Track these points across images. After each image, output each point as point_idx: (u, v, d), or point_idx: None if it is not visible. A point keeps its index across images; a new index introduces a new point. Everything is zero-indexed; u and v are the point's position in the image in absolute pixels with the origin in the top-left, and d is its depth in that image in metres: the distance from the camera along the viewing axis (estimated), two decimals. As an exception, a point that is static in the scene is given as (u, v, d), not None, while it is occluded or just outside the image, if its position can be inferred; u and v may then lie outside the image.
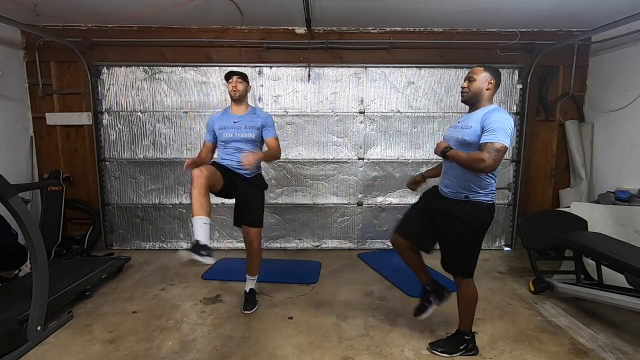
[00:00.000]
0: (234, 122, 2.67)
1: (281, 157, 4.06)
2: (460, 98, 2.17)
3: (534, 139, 4.35)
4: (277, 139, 2.74)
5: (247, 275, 2.85)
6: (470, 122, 2.05)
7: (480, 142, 1.94)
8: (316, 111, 4.15)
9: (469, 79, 2.09)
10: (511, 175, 4.27)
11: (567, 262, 3.22)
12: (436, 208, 2.19)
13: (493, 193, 2.09)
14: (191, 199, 2.18)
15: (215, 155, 2.84)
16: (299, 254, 4.12)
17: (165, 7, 3.43)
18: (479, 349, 2.27)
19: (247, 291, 2.86)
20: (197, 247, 2.00)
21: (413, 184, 2.57)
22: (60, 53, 4.06)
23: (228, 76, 2.68)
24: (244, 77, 2.70)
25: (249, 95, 2.83)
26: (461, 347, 2.23)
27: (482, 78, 2.06)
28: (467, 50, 4.16)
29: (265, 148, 2.78)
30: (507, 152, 4.27)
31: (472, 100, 2.11)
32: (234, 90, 2.65)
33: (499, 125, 1.90)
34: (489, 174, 2.02)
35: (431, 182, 2.49)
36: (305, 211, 4.27)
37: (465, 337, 2.22)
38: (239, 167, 2.62)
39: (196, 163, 2.46)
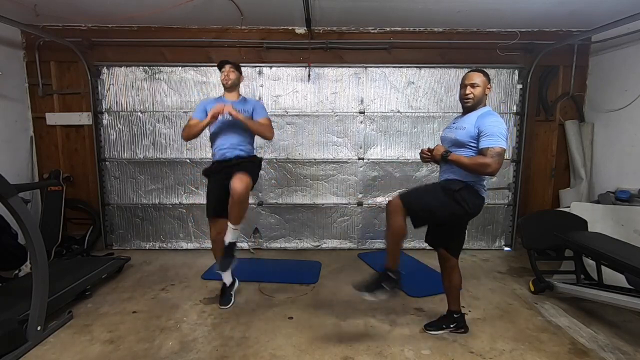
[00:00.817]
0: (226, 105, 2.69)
1: (281, 157, 4.14)
2: (465, 103, 2.20)
3: (534, 139, 4.35)
4: (269, 119, 2.79)
5: (228, 224, 2.61)
6: (464, 124, 2.16)
7: (481, 147, 2.05)
8: (316, 111, 4.15)
9: (473, 85, 2.15)
10: (511, 175, 4.27)
11: (567, 262, 3.22)
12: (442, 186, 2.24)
13: (485, 188, 2.24)
14: (213, 250, 2.83)
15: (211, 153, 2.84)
16: (299, 254, 4.12)
17: (165, 7, 3.43)
18: (468, 327, 2.46)
19: (226, 243, 2.64)
20: (227, 288, 2.89)
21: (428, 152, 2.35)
22: (60, 53, 4.06)
23: (221, 65, 2.74)
24: (236, 66, 2.75)
25: (249, 95, 2.87)
26: (452, 325, 2.44)
27: (483, 84, 2.17)
28: (467, 50, 4.17)
29: (256, 141, 2.87)
30: (507, 152, 4.32)
31: (475, 105, 2.18)
32: (227, 79, 2.71)
33: (496, 130, 2.02)
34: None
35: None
36: (305, 211, 4.27)
37: (455, 315, 2.44)
38: (230, 151, 2.67)
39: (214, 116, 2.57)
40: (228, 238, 2.64)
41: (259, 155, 2.92)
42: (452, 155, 2.11)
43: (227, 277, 2.86)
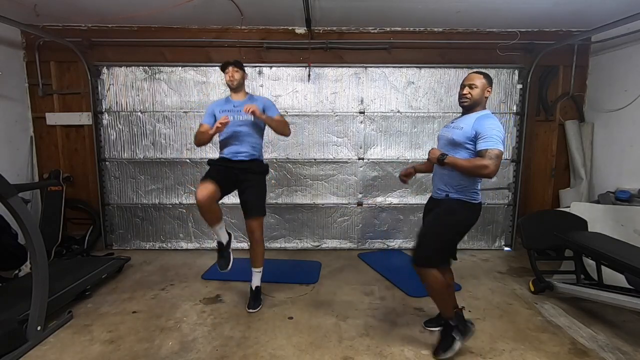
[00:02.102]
0: (234, 107, 2.72)
1: (281, 157, 4.14)
2: (462, 103, 2.21)
3: (534, 139, 4.35)
4: (282, 116, 2.80)
5: (252, 269, 2.81)
6: (462, 124, 2.15)
7: (478, 148, 2.03)
8: (316, 111, 4.15)
9: (471, 86, 2.14)
10: (511, 175, 4.27)
11: (567, 262, 3.22)
12: (429, 209, 2.31)
13: (476, 192, 2.17)
14: (203, 215, 2.59)
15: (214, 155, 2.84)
16: (299, 254, 4.12)
17: (165, 7, 3.43)
18: (472, 323, 2.23)
19: (253, 288, 2.82)
20: (222, 246, 2.74)
21: (405, 176, 2.61)
22: (60, 53, 4.06)
23: (224, 67, 2.72)
24: (239, 65, 2.74)
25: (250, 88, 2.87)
26: (455, 335, 2.19)
27: (482, 86, 2.15)
28: (467, 50, 4.17)
29: (264, 139, 2.85)
30: (507, 152, 4.33)
31: (472, 106, 2.18)
32: (232, 80, 2.70)
33: (495, 133, 2.01)
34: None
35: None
36: (305, 211, 4.27)
37: (451, 323, 2.19)
38: (238, 153, 2.67)
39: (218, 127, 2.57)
40: (253, 283, 2.83)
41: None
42: (449, 158, 2.08)
43: (222, 236, 2.73)
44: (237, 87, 2.74)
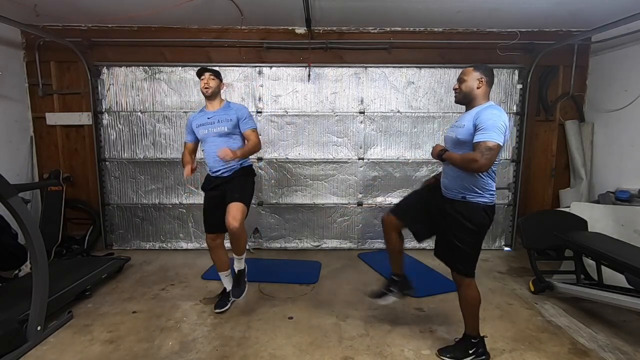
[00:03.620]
0: (208, 119, 2.66)
1: (281, 157, 4.14)
2: (454, 99, 2.18)
3: (534, 139, 4.35)
4: (254, 130, 2.70)
5: (234, 256, 2.70)
6: (464, 121, 2.05)
7: (473, 141, 1.93)
8: (316, 111, 4.15)
9: (460, 80, 2.11)
10: (511, 175, 4.26)
11: (567, 262, 3.22)
12: (436, 203, 2.20)
13: (492, 194, 2.05)
14: (211, 258, 2.84)
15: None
16: (299, 254, 4.12)
17: (165, 7, 3.43)
18: (489, 354, 2.18)
19: (236, 271, 2.75)
20: (226, 295, 2.84)
21: (427, 186, 2.45)
22: (60, 53, 4.06)
23: (200, 73, 2.66)
24: (216, 73, 2.68)
25: (249, 95, 2.86)
26: (470, 352, 2.15)
27: (472, 77, 2.06)
28: (467, 50, 4.16)
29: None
30: (507, 152, 4.28)
31: (464, 100, 2.12)
32: (206, 87, 2.63)
33: (491, 124, 1.88)
34: (485, 174, 1.99)
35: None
36: (305, 211, 4.27)
37: (472, 340, 2.16)
38: (221, 168, 2.65)
39: (192, 168, 2.67)
40: (236, 267, 2.75)
41: (255, 155, 2.89)
42: (446, 154, 2.05)
43: (227, 284, 2.84)
44: (211, 96, 2.66)
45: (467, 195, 2.03)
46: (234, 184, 2.65)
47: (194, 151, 2.83)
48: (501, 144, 1.89)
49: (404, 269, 2.42)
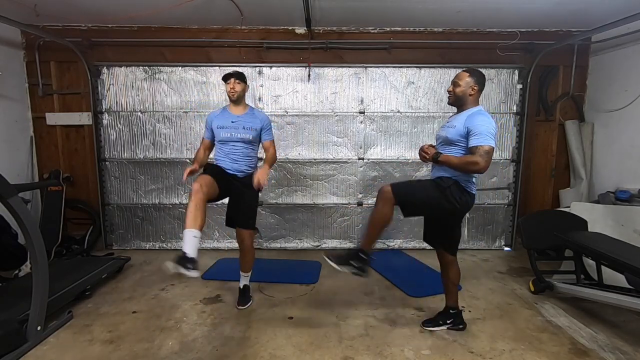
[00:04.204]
0: (232, 122, 2.68)
1: (281, 157, 4.14)
2: (448, 100, 2.36)
3: (534, 139, 4.35)
4: (273, 142, 2.82)
5: (240, 272, 2.89)
6: (455, 123, 2.23)
7: (470, 145, 2.11)
8: (316, 111, 4.15)
9: (454, 83, 2.27)
10: (511, 175, 4.26)
11: (567, 262, 3.22)
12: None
13: (474, 184, 2.29)
14: (187, 211, 2.24)
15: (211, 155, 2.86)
16: (299, 254, 4.12)
17: (165, 7, 3.43)
18: (466, 323, 2.51)
19: (241, 287, 2.91)
20: (183, 260, 2.10)
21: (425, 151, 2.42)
22: (60, 53, 4.06)
23: (226, 78, 2.69)
24: (241, 77, 2.71)
25: (249, 95, 2.87)
26: (448, 321, 2.48)
27: (466, 84, 2.23)
28: (467, 50, 4.17)
29: (261, 149, 2.83)
30: (507, 152, 4.30)
31: (456, 103, 2.31)
32: (232, 92, 2.66)
33: (484, 129, 2.07)
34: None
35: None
36: (305, 211, 4.27)
37: (451, 311, 2.48)
38: (234, 169, 2.67)
39: (195, 170, 2.57)
40: (241, 282, 2.89)
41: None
42: (442, 156, 2.19)
43: (189, 245, 2.23)
44: (237, 100, 2.71)
45: (458, 180, 2.22)
46: (247, 204, 2.72)
47: (210, 148, 2.84)
48: (494, 148, 2.09)
49: (374, 250, 2.38)
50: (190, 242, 2.20)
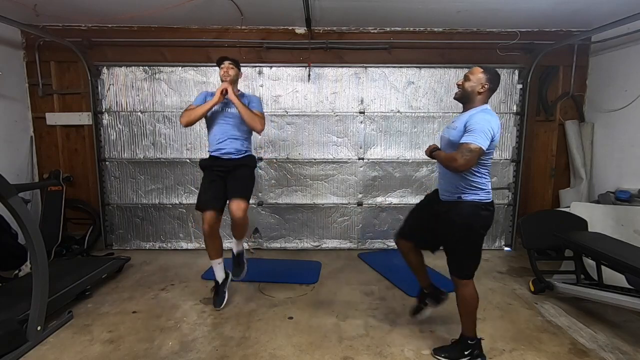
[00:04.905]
0: (225, 98, 2.72)
1: (281, 157, 4.14)
2: (454, 95, 2.18)
3: (534, 139, 4.35)
4: (262, 114, 2.81)
5: (234, 239, 2.86)
6: (457, 123, 2.07)
7: (459, 141, 1.97)
8: (316, 111, 4.15)
9: (466, 77, 2.11)
10: (511, 175, 4.26)
11: (567, 262, 3.22)
12: (436, 210, 2.20)
13: (488, 192, 2.06)
14: (205, 245, 2.77)
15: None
16: (299, 254, 4.12)
17: (165, 7, 3.43)
18: (485, 356, 2.18)
19: (235, 254, 2.89)
20: (221, 286, 2.82)
21: (427, 196, 2.48)
22: (60, 53, 4.06)
23: (220, 61, 2.76)
24: (235, 62, 2.78)
25: (248, 94, 2.90)
26: (466, 353, 2.15)
27: (477, 80, 2.06)
28: (467, 50, 4.17)
29: (252, 144, 2.92)
30: (507, 152, 4.28)
31: (463, 99, 2.13)
32: (226, 75, 2.72)
33: (479, 127, 1.92)
34: (477, 173, 2.02)
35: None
36: (305, 211, 4.27)
37: (469, 342, 2.15)
38: (228, 149, 2.70)
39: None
40: (235, 249, 2.89)
41: (256, 155, 2.93)
42: (435, 152, 2.14)
43: (219, 273, 2.84)
44: (229, 83, 2.74)
45: (462, 195, 2.05)
46: (240, 176, 2.72)
47: None
48: (484, 148, 1.92)
49: (430, 278, 2.49)
50: (218, 270, 2.82)
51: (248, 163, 2.81)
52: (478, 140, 1.90)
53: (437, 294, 2.47)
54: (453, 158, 1.94)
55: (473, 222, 2.03)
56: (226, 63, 2.73)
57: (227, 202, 2.69)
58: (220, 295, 2.81)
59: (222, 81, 2.76)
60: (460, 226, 2.04)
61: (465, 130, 1.97)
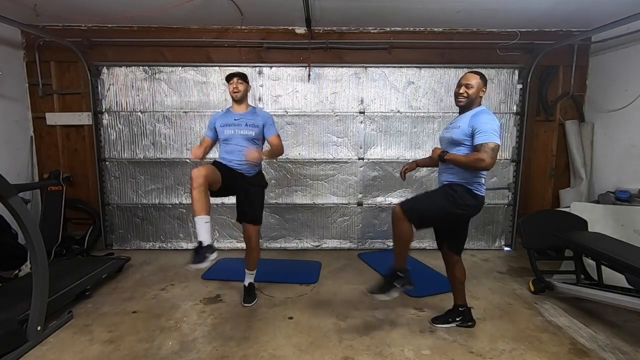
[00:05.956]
0: (235, 120, 2.73)
1: (281, 157, 4.11)
2: (457, 102, 2.31)
3: (534, 139, 4.35)
4: (279, 136, 2.82)
5: (246, 270, 2.93)
6: (459, 123, 2.25)
7: (475, 143, 2.12)
8: (316, 111, 4.15)
9: (467, 85, 2.25)
10: (511, 175, 4.26)
11: (567, 262, 3.22)
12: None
13: (483, 185, 2.28)
14: (192, 199, 2.25)
15: (215, 155, 2.86)
16: (299, 254, 4.12)
17: (165, 7, 3.43)
18: (475, 321, 2.54)
19: (246, 285, 2.95)
20: (203, 250, 2.16)
21: (406, 171, 2.71)
22: (60, 53, 4.06)
23: (229, 78, 2.76)
24: (244, 77, 2.77)
25: (249, 94, 2.88)
26: (457, 319, 2.52)
27: (478, 86, 2.24)
28: (467, 50, 4.17)
29: (267, 147, 2.84)
30: (507, 152, 4.31)
31: (469, 106, 2.29)
32: (236, 91, 2.72)
33: (489, 127, 2.10)
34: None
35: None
36: (305, 211, 4.27)
37: (460, 308, 2.52)
38: (239, 166, 2.67)
39: (200, 153, 2.64)
40: (246, 280, 2.94)
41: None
42: (449, 155, 2.21)
43: (204, 236, 2.22)
44: (240, 99, 2.76)
45: (466, 184, 2.23)
46: (253, 199, 2.74)
47: (210, 147, 2.85)
48: (499, 144, 2.11)
49: (408, 263, 2.43)
50: (203, 229, 2.22)
51: (261, 183, 2.82)
52: (493, 138, 2.08)
53: (408, 282, 2.34)
54: (480, 159, 2.05)
55: (454, 192, 2.20)
56: (235, 79, 2.72)
57: (241, 222, 2.79)
58: (200, 255, 2.16)
59: (233, 97, 2.76)
60: (444, 188, 2.27)
61: (474, 131, 2.13)
